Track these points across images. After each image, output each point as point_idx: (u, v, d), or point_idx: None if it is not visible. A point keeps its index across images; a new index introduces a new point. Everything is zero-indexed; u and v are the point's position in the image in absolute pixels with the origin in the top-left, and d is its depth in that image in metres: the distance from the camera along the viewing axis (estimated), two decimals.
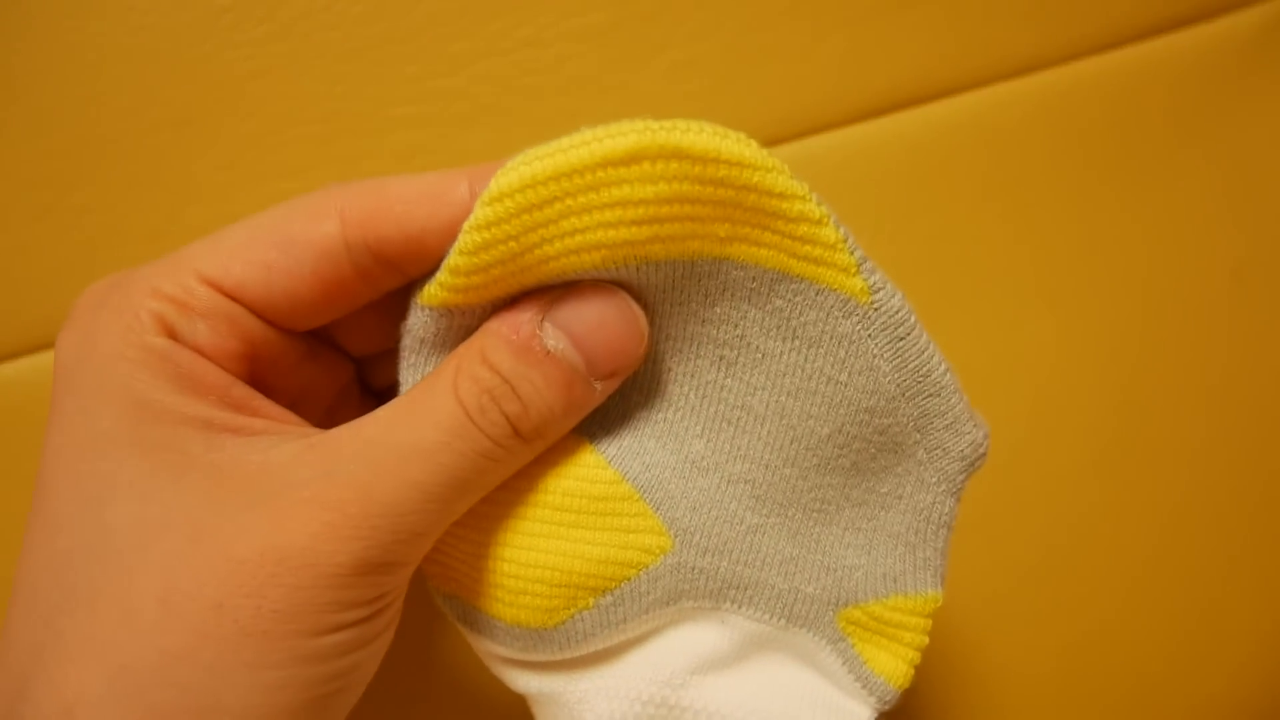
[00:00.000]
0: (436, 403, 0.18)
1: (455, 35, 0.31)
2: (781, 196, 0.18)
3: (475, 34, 0.31)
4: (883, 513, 0.22)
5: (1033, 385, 0.33)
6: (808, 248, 0.19)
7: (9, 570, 0.28)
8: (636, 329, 0.19)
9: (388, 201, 0.19)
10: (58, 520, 0.17)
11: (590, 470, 0.21)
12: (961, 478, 0.22)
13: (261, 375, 0.20)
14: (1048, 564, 0.33)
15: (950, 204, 0.33)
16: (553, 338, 0.18)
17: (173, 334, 0.18)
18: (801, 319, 0.20)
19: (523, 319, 0.18)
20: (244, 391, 0.19)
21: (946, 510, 0.22)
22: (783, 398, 0.21)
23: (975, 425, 0.21)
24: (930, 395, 0.21)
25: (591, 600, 0.21)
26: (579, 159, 0.17)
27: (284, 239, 0.19)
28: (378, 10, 0.30)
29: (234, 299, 0.19)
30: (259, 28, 0.30)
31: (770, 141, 0.32)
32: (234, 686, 0.16)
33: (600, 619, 0.21)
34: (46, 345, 0.30)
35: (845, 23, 0.32)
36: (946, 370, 0.21)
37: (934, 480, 0.22)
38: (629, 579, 0.21)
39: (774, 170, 0.18)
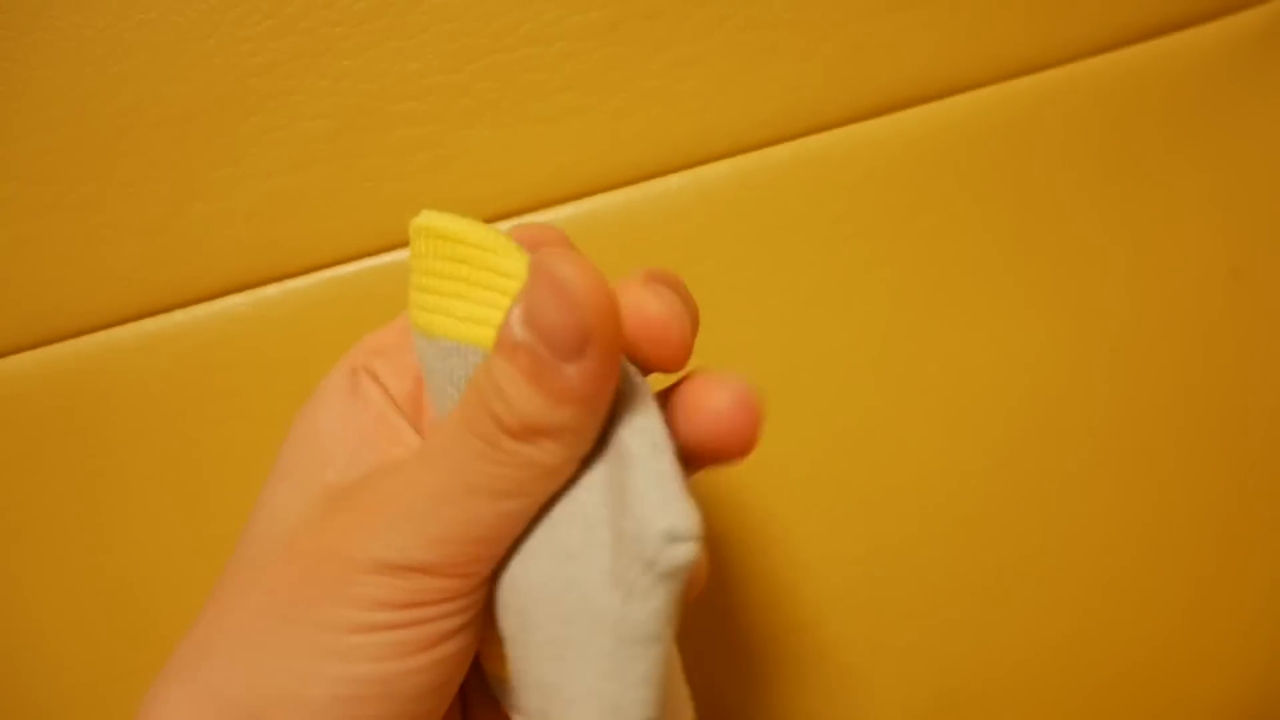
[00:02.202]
0: (449, 416, 0.19)
1: (457, 32, 0.31)
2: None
3: (478, 31, 0.31)
4: None
5: (1029, 384, 0.33)
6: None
7: (9, 565, 0.28)
8: (567, 297, 0.16)
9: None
10: (250, 524, 0.21)
11: None
12: None
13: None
14: (1041, 564, 0.33)
15: (949, 203, 0.33)
16: (518, 325, 0.17)
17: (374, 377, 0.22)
18: None
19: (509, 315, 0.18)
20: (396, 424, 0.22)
21: None
22: None
23: None
24: None
25: None
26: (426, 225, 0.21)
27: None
28: (380, 6, 0.30)
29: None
30: (262, 23, 0.30)
31: (770, 141, 0.32)
32: (274, 671, 0.18)
33: None
34: (48, 340, 0.30)
35: (845, 23, 0.32)
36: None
37: None
38: None
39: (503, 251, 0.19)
